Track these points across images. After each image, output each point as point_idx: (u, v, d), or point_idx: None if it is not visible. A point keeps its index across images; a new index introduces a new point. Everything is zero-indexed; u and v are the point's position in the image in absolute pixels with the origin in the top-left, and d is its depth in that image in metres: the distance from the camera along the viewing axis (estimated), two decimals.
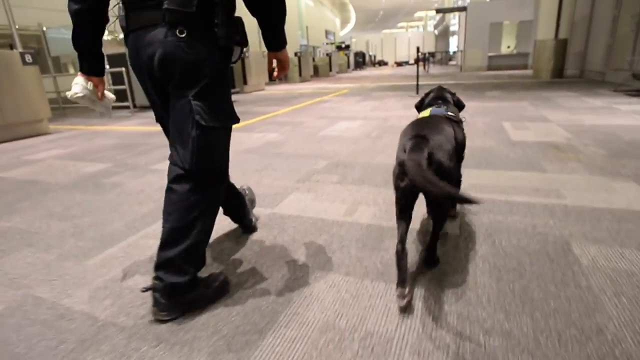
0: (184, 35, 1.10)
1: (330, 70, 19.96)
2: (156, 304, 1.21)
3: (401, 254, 1.23)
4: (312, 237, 1.74)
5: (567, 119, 4.31)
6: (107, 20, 1.27)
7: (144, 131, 4.99)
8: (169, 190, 1.24)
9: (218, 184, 1.31)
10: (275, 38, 1.29)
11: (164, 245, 1.22)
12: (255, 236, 1.79)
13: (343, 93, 9.29)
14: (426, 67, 20.25)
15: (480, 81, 10.73)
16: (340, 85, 12.36)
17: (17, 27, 4.82)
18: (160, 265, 1.21)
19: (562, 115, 4.56)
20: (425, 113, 1.63)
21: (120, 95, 8.16)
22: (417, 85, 8.19)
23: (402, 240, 1.24)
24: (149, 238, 1.84)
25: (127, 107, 7.06)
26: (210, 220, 1.28)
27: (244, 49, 1.29)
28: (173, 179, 1.23)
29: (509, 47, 17.59)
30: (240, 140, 4.03)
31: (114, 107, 8.01)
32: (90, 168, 3.26)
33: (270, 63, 1.40)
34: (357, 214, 1.98)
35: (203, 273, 1.35)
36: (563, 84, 8.47)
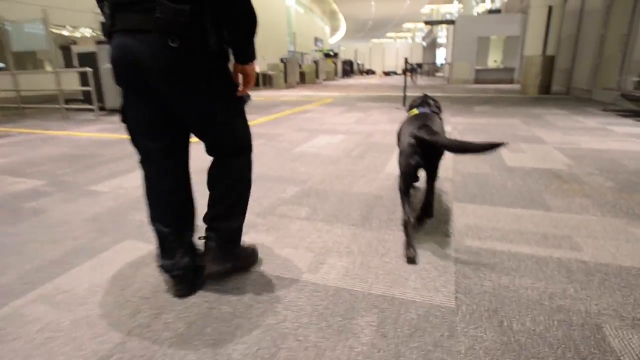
0: (176, 45, 1.10)
1: (317, 77, 19.65)
2: (208, 252, 1.37)
3: (408, 224, 1.66)
4: (260, 308, 1.30)
5: (563, 140, 4.01)
6: None
7: (103, 139, 4.46)
8: (212, 166, 1.42)
9: (250, 152, 1.43)
10: (242, 49, 1.26)
11: (215, 203, 1.39)
12: (183, 303, 1.33)
13: (327, 102, 8.92)
14: (414, 78, 20.16)
15: (468, 94, 10.53)
16: (326, 93, 12.01)
17: None
18: (214, 217, 1.38)
19: (557, 136, 4.27)
20: (415, 111, 2.03)
21: (86, 97, 7.58)
22: (405, 97, 7.87)
23: (407, 214, 1.68)
24: (40, 303, 1.34)
25: (92, 110, 6.48)
26: (249, 183, 1.44)
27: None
28: (214, 161, 1.41)
29: (495, 61, 17.66)
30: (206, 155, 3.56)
31: (79, 110, 7.41)
32: (19, 185, 2.74)
33: (235, 75, 1.32)
34: (324, 268, 1.54)
35: None
36: (551, 101, 8.31)
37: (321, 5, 35.78)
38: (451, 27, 19.24)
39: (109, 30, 1.17)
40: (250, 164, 1.43)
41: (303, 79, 18.65)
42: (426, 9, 37.36)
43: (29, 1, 8.82)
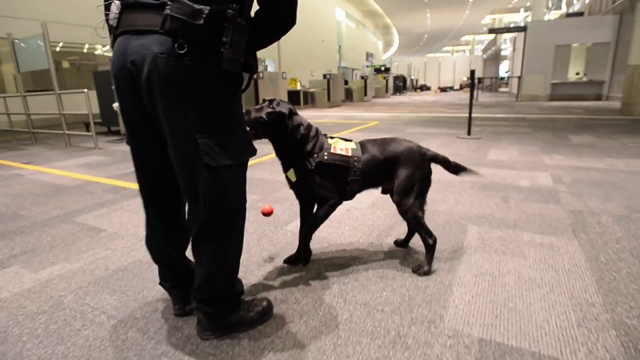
0: (183, 52, 0.92)
1: (365, 94, 18.20)
2: (200, 323, 1.22)
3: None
4: None
5: None
6: None
7: (64, 181, 3.34)
8: (194, 234, 1.13)
9: (239, 218, 1.17)
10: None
11: (201, 284, 1.15)
12: None
13: (370, 126, 7.39)
14: (475, 94, 17.88)
15: (549, 115, 8.41)
16: (372, 114, 10.48)
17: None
18: (200, 300, 1.17)
19: None
20: (352, 144, 1.69)
21: (104, 120, 6.87)
22: (470, 118, 5.94)
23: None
24: None
25: (107, 134, 5.58)
26: (237, 249, 1.20)
27: (253, 76, 1.10)
28: (194, 227, 1.12)
29: (577, 73, 14.94)
30: (134, 242, 2.20)
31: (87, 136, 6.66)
32: None
33: None
34: None
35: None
36: None
37: (374, 20, 34.62)
38: (520, 36, 16.84)
39: (114, 33, 1.01)
40: (236, 228, 1.16)
41: (350, 97, 17.32)
42: (487, 20, 34.56)
43: (35, 16, 8.48)
